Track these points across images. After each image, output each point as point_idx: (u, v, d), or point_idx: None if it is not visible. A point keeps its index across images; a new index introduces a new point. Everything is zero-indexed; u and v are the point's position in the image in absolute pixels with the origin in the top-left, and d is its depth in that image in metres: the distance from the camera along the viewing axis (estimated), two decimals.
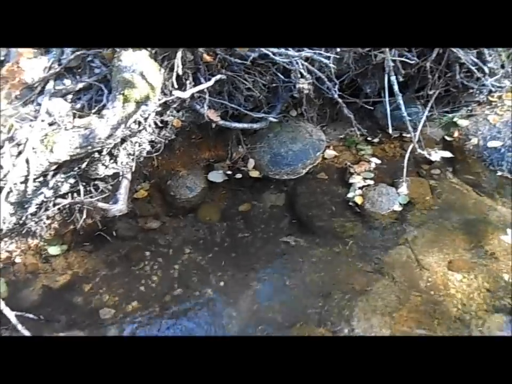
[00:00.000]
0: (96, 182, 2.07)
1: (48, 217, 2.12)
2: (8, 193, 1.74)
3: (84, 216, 2.16)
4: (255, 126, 2.42)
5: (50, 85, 1.84)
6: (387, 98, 2.33)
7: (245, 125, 2.39)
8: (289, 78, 2.25)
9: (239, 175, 2.66)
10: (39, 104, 1.81)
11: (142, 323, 2.11)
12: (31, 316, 1.85)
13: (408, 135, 2.78)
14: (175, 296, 2.21)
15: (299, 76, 2.18)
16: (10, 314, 1.74)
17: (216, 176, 2.64)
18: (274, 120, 2.40)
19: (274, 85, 2.32)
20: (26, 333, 1.77)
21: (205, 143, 2.61)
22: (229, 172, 2.67)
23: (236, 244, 2.44)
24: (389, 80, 2.33)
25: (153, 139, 2.08)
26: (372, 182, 2.58)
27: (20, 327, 1.75)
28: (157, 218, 2.50)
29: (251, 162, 2.67)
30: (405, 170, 2.47)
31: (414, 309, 2.06)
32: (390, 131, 2.40)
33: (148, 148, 2.07)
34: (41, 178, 1.84)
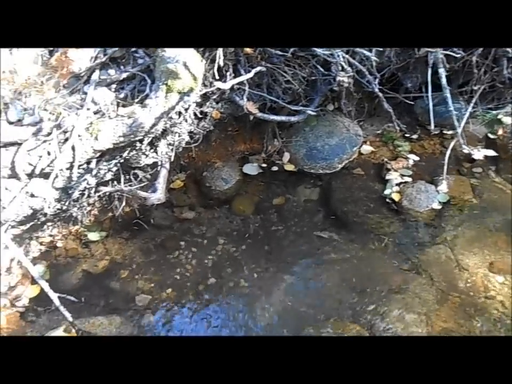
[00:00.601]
0: (135, 171, 2.11)
1: (89, 204, 2.18)
2: (55, 178, 1.79)
3: (123, 204, 2.21)
4: (292, 119, 2.40)
5: (96, 75, 1.89)
6: (430, 93, 2.27)
7: (283, 118, 2.38)
8: (329, 70, 2.23)
9: (274, 168, 2.66)
10: (85, 93, 1.86)
11: (176, 311, 2.15)
12: (72, 298, 1.90)
13: (449, 132, 2.71)
14: (209, 286, 2.24)
15: (340, 68, 2.15)
16: (54, 296, 1.79)
17: (251, 169, 2.65)
18: (312, 113, 2.38)
19: (313, 77, 2.30)
20: (68, 315, 1.82)
21: (241, 135, 2.61)
22: (264, 165, 2.67)
23: (269, 236, 2.44)
24: (432, 74, 2.26)
25: (192, 130, 2.09)
26: (409, 179, 2.52)
27: (62, 308, 1.81)
28: (192, 208, 2.54)
29: (286, 156, 2.66)
30: (445, 167, 2.40)
31: (453, 310, 2.00)
32: (432, 127, 2.33)
33: (187, 138, 2.09)
34: (85, 166, 1.89)
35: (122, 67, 1.92)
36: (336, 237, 2.40)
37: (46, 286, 1.78)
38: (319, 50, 2.04)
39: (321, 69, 2.22)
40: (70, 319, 1.82)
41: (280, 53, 2.09)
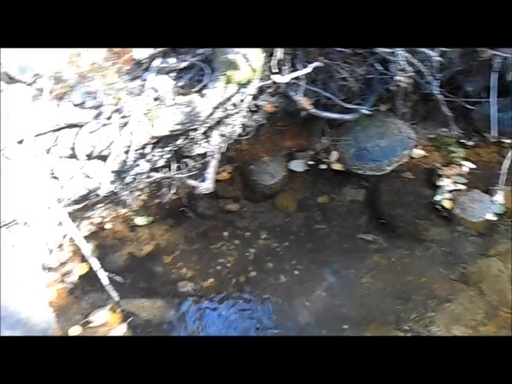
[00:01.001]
0: (186, 160, 2.13)
1: (139, 189, 2.22)
2: (111, 161, 1.84)
3: (172, 191, 2.24)
4: (346, 117, 2.36)
5: (156, 62, 1.92)
6: (495, 98, 2.16)
7: (336, 115, 2.34)
8: (387, 69, 2.17)
9: (320, 166, 2.62)
10: (145, 80, 1.90)
11: (216, 300, 2.17)
12: (119, 278, 1.95)
13: (508, 140, 2.58)
14: (250, 278, 2.24)
15: (399, 68, 2.09)
16: (103, 275, 1.85)
17: (298, 165, 2.62)
18: (366, 112, 2.32)
19: (370, 76, 2.24)
20: (115, 294, 1.88)
21: (289, 131, 2.59)
22: (311, 162, 2.63)
23: (312, 234, 2.42)
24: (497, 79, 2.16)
25: (245, 122, 2.10)
26: (463, 187, 2.42)
27: (109, 287, 1.86)
28: (237, 201, 2.54)
29: (334, 155, 2.61)
30: (503, 177, 2.29)
31: (503, 326, 1.91)
32: (493, 133, 2.23)
33: (239, 130, 2.10)
34: (140, 151, 1.93)
35: (182, 56, 1.94)
36: (381, 240, 2.34)
37: (96, 264, 1.83)
38: (379, 48, 1.99)
39: (380, 67, 2.16)
40: (117, 298, 1.87)
41: (339, 49, 2.05)
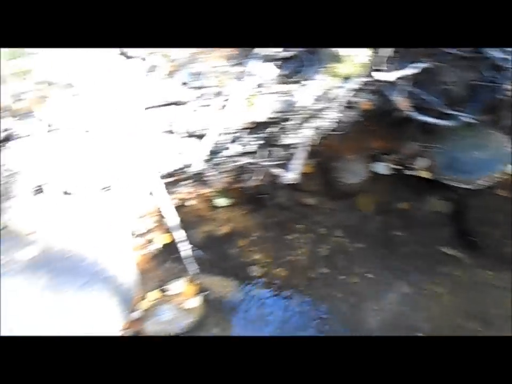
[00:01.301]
0: (274, 148, 2.16)
1: (225, 171, 2.29)
2: (207, 141, 1.91)
3: (255, 177, 2.29)
4: (443, 123, 2.25)
5: (261, 50, 1.96)
6: None
7: (433, 120, 2.24)
8: (496, 77, 2.03)
9: (406, 172, 2.54)
10: (248, 66, 1.94)
11: (285, 289, 2.19)
12: (201, 252, 2.03)
13: None
14: (321, 274, 2.24)
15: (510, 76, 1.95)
16: (186, 247, 1.94)
17: (382, 168, 2.56)
18: (467, 120, 2.20)
19: (476, 82, 2.12)
20: (195, 266, 1.96)
21: (379, 131, 2.53)
22: (396, 166, 2.56)
23: (389, 240, 2.35)
24: None
25: (338, 117, 2.08)
26: None
27: (191, 260, 1.95)
28: (316, 196, 2.54)
29: (423, 161, 2.51)
30: None
31: None
32: None
33: (332, 125, 2.08)
34: (234, 134, 1.98)
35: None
36: (464, 257, 2.22)
37: (182, 236, 1.93)
38: (492, 53, 1.86)
39: (489, 74, 2.03)
40: (196, 271, 1.95)
41: (448, 51, 1.95)
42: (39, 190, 1.98)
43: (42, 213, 1.95)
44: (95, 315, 1.76)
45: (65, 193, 1.98)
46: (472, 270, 2.16)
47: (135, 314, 1.92)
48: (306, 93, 1.82)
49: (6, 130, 1.85)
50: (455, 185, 2.44)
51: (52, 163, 1.92)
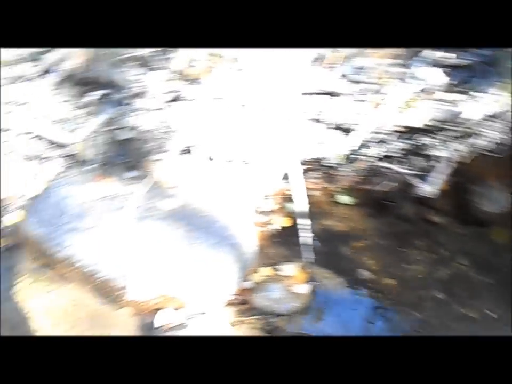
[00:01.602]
0: (418, 157, 2.08)
1: (357, 170, 2.27)
2: (355, 137, 1.91)
3: (387, 182, 2.23)
4: None
5: (428, 54, 1.88)
6: None
7: None
8: None
9: None
10: (413, 68, 1.88)
11: (390, 302, 2.12)
12: (317, 243, 2.06)
13: None
14: (432, 298, 2.12)
15: None
16: (307, 234, 1.98)
17: None
18: None
19: None
20: (311, 255, 1.99)
21: None
22: None
23: None
24: None
25: (497, 137, 1.92)
26: None
27: (308, 248, 1.99)
28: (444, 215, 2.40)
29: None
30: None
31: None
32: None
33: (491, 145, 1.94)
34: (381, 135, 1.95)
35: (462, 53, 1.86)
36: None
37: (306, 223, 1.96)
38: None
39: None
40: (312, 260, 1.99)
41: None
42: (187, 151, 2.16)
43: (187, 172, 2.14)
44: (216, 274, 1.88)
45: (210, 158, 2.14)
46: None
47: (247, 284, 2.02)
48: (474, 105, 1.70)
49: (175, 91, 2.04)
50: None
51: (204, 129, 2.07)
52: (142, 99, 2.02)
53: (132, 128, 2.10)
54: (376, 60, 1.93)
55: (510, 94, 1.67)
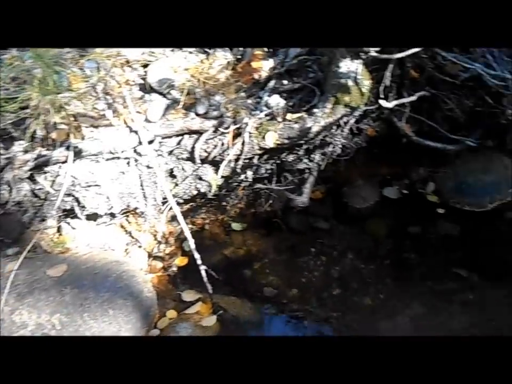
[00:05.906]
0: (286, 174, 2.29)
1: (239, 196, 2.42)
2: (223, 167, 2.06)
3: (268, 202, 2.40)
4: (449, 147, 2.35)
5: (272, 83, 2.13)
6: None
7: (439, 145, 2.34)
8: (498, 103, 2.14)
9: (415, 196, 2.62)
10: (260, 98, 2.11)
11: (298, 309, 2.24)
12: (214, 274, 2.12)
13: None
14: (333, 296, 2.29)
15: None
16: (201, 268, 2.04)
17: (392, 192, 2.65)
18: (472, 144, 2.30)
19: (478, 108, 2.23)
20: (209, 287, 2.05)
21: (387, 157, 2.64)
22: (405, 191, 2.65)
23: (400, 262, 2.41)
24: None
25: (345, 144, 2.20)
26: None
27: (206, 280, 2.05)
28: (327, 220, 2.63)
29: (431, 186, 2.59)
30: None
31: None
32: None
33: (339, 151, 2.21)
34: (247, 161, 2.13)
35: (295, 78, 2.13)
36: (476, 278, 2.25)
37: (198, 258, 2.03)
38: (493, 81, 1.99)
39: (490, 100, 2.15)
40: (210, 291, 2.04)
41: (448, 79, 2.09)
42: (69, 211, 2.15)
43: (73, 233, 2.12)
44: (115, 329, 1.85)
45: (94, 215, 2.14)
46: (485, 291, 2.18)
47: (154, 332, 2.00)
48: (315, 120, 1.96)
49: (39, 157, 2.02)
50: (464, 208, 2.50)
51: (80, 187, 2.08)
52: (6, 172, 1.97)
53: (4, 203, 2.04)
54: (229, 95, 2.12)
55: (337, 106, 1.95)
